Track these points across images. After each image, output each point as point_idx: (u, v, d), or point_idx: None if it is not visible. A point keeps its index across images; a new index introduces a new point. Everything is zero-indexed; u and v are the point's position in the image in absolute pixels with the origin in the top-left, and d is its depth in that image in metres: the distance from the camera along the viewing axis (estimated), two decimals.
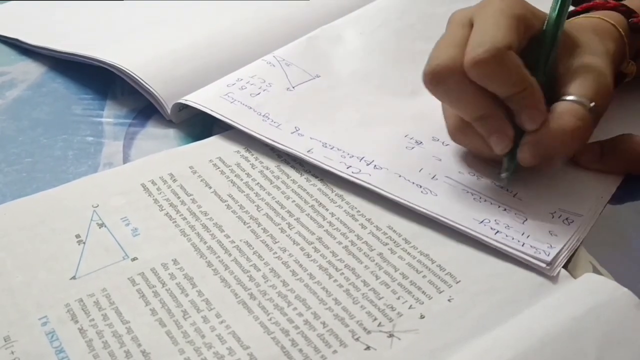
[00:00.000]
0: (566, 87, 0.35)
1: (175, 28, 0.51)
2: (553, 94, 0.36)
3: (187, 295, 0.31)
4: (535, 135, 0.34)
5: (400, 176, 0.37)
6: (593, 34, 0.37)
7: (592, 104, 0.34)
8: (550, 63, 0.36)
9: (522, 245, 0.33)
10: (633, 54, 0.40)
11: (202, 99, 0.42)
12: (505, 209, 0.35)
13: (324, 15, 0.52)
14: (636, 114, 0.43)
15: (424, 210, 0.35)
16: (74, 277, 0.32)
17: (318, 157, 0.38)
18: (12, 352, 0.29)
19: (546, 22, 0.36)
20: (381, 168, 0.38)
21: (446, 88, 0.34)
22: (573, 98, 0.34)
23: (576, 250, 0.34)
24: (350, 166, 0.38)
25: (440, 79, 0.34)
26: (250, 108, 0.42)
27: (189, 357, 0.29)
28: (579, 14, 0.41)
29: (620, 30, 0.39)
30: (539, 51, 0.36)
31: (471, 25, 0.35)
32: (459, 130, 0.37)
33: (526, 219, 0.35)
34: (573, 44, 0.37)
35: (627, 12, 0.40)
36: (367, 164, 0.38)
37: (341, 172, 0.38)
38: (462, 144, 0.38)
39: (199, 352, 0.29)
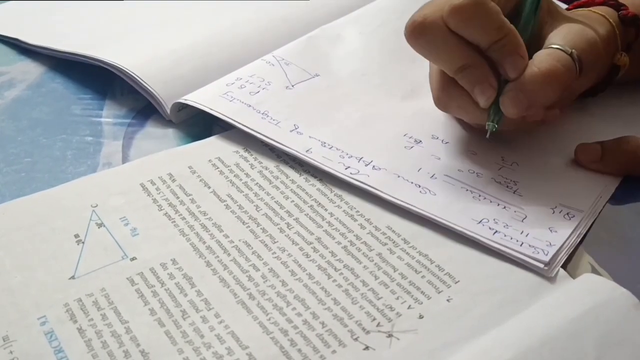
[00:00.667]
0: (549, 39, 0.36)
1: (175, 28, 0.51)
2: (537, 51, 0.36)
3: (186, 295, 0.31)
4: (516, 82, 0.34)
5: (398, 176, 0.37)
6: (583, 18, 0.38)
7: (573, 50, 0.35)
8: (534, 23, 0.37)
9: (521, 245, 0.33)
10: (625, 46, 0.40)
11: (201, 98, 0.42)
12: (504, 207, 0.35)
13: (324, 16, 0.52)
14: (637, 115, 0.43)
15: (422, 212, 0.35)
16: (73, 277, 0.32)
17: (316, 157, 0.38)
18: (11, 352, 0.29)
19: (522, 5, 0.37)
20: (380, 169, 0.38)
21: (427, 39, 0.35)
22: (554, 46, 0.35)
23: (575, 250, 0.34)
24: (349, 167, 0.38)
25: (421, 31, 0.35)
26: (250, 106, 0.42)
27: (188, 357, 0.29)
28: None
29: (611, 21, 0.39)
30: (522, 13, 0.37)
31: None
32: (443, 93, 0.37)
33: (526, 216, 0.35)
34: (561, 16, 0.38)
35: (616, 6, 0.40)
36: (366, 165, 0.38)
37: (340, 172, 0.38)
38: (447, 108, 0.38)
39: (197, 352, 0.29)
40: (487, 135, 0.37)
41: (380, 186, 0.37)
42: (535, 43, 0.37)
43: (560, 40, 0.36)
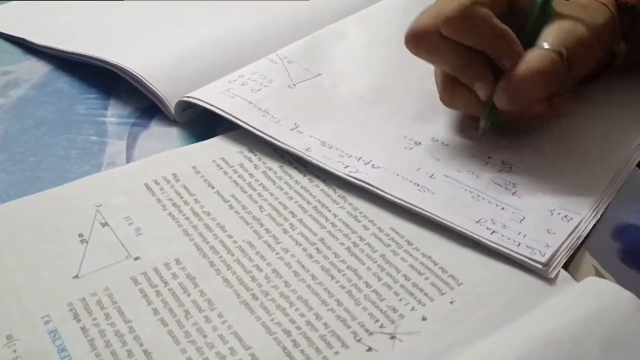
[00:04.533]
0: (541, 37, 0.37)
1: (179, 28, 0.51)
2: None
3: (189, 295, 0.31)
4: (508, 78, 0.36)
5: (398, 175, 0.37)
6: (580, 8, 0.39)
7: (562, 50, 0.36)
8: (535, 36, 0.38)
9: (518, 246, 0.33)
10: (621, 33, 0.41)
11: (203, 95, 0.42)
12: (503, 208, 0.35)
13: (328, 16, 0.52)
14: (631, 103, 0.44)
15: (420, 210, 0.35)
16: (76, 276, 0.32)
17: (316, 156, 0.38)
18: (15, 351, 0.29)
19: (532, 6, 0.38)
20: (379, 167, 0.38)
21: (426, 47, 0.38)
22: (544, 45, 0.37)
23: (577, 252, 0.34)
24: (348, 166, 0.38)
25: (419, 40, 0.37)
26: (251, 103, 0.42)
27: (191, 357, 0.29)
28: None
29: (611, 8, 0.40)
30: (525, 27, 0.38)
31: None
32: (447, 91, 0.39)
33: (524, 218, 0.35)
34: (554, 12, 0.39)
35: None
36: (365, 164, 0.38)
37: (338, 171, 0.38)
38: (452, 105, 0.40)
39: (200, 352, 0.29)
40: (479, 132, 0.39)
41: (379, 184, 0.37)
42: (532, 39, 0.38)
43: (551, 38, 0.37)
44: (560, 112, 0.39)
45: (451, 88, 0.39)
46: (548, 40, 0.37)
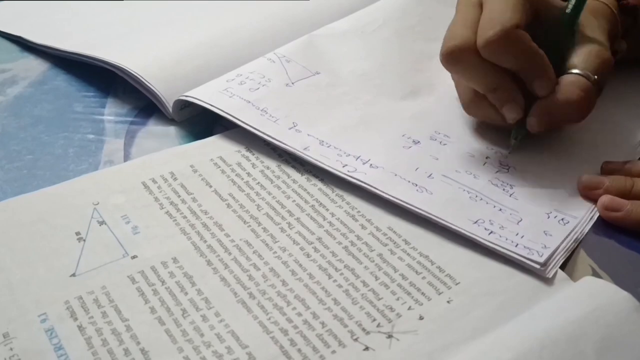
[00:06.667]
0: (571, 60, 0.38)
1: (176, 28, 0.51)
2: (560, 67, 0.38)
3: (186, 293, 0.31)
4: (543, 104, 0.37)
5: (395, 175, 0.37)
6: (590, 14, 0.40)
7: (595, 77, 0.37)
8: (563, 53, 0.38)
9: (516, 246, 0.33)
10: (623, 32, 0.42)
11: (201, 94, 0.42)
12: (500, 209, 0.36)
13: (326, 16, 0.52)
14: (631, 100, 0.44)
15: (417, 210, 0.35)
16: (73, 275, 0.32)
17: (314, 155, 0.38)
18: (11, 349, 0.29)
19: (562, 19, 0.39)
20: (377, 167, 0.38)
21: (462, 66, 0.38)
22: (578, 71, 0.37)
23: (574, 252, 0.34)
24: (346, 165, 0.38)
25: (456, 59, 0.37)
26: (249, 102, 0.42)
27: (188, 356, 0.29)
28: None
29: (613, 9, 0.41)
30: (555, 42, 0.39)
31: (481, 5, 0.38)
32: (472, 103, 0.40)
33: (521, 219, 0.35)
34: (577, 32, 0.39)
35: None
36: (363, 163, 0.38)
37: (337, 170, 0.38)
38: (475, 116, 0.41)
39: (197, 350, 0.29)
40: (509, 151, 0.39)
41: (377, 184, 0.37)
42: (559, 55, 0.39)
43: (582, 63, 0.38)
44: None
45: (477, 101, 0.39)
46: (579, 66, 0.37)
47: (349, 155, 0.39)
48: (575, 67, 0.38)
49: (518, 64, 0.37)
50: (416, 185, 0.37)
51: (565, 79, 0.37)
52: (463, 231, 0.34)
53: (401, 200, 0.36)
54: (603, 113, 0.43)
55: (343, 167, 0.38)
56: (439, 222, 0.35)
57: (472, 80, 0.38)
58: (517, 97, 0.37)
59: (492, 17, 0.36)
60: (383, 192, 0.36)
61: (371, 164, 0.38)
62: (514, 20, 0.36)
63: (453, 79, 0.41)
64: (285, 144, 0.39)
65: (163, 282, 0.32)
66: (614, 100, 0.44)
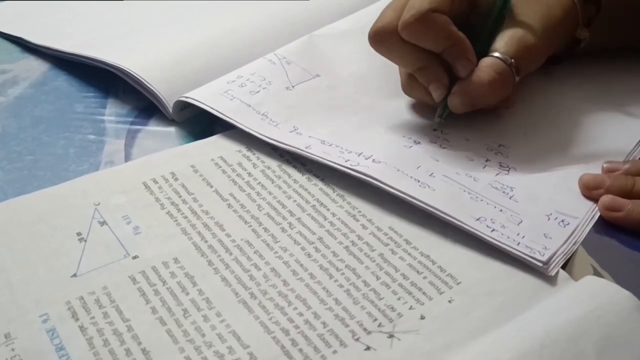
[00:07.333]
0: (494, 45, 0.40)
1: (177, 28, 0.51)
2: (487, 51, 0.40)
3: (187, 294, 0.31)
4: (461, 85, 0.39)
5: (398, 170, 0.37)
6: (533, 3, 0.41)
7: (512, 60, 0.39)
8: (493, 36, 0.40)
9: (518, 245, 0.33)
10: (586, 21, 0.43)
11: (202, 96, 0.42)
12: (501, 210, 0.35)
13: (327, 16, 0.52)
14: (631, 99, 0.44)
15: (421, 204, 0.35)
16: (74, 275, 0.32)
17: (316, 152, 0.38)
18: (13, 349, 0.29)
19: (494, 5, 0.40)
20: (380, 162, 0.38)
21: (386, 47, 0.40)
22: (497, 55, 0.39)
23: (575, 252, 0.34)
24: (349, 160, 0.38)
25: (380, 39, 0.40)
26: (250, 106, 0.42)
27: (189, 356, 0.29)
28: None
29: None
30: (487, 27, 0.40)
31: None
32: (407, 84, 0.42)
33: (522, 221, 0.35)
34: (509, 17, 0.41)
35: None
36: (366, 158, 0.38)
37: (339, 165, 0.37)
38: (410, 96, 0.43)
39: (199, 350, 0.29)
40: (435, 125, 0.41)
41: (380, 177, 0.36)
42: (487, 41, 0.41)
43: (502, 47, 0.39)
44: (509, 103, 0.42)
45: (410, 82, 0.42)
46: (500, 50, 0.39)
47: (351, 152, 0.39)
48: (496, 51, 0.39)
49: (436, 46, 0.39)
50: (419, 181, 0.37)
51: (483, 61, 0.39)
52: (467, 227, 0.34)
53: (405, 194, 0.35)
54: (602, 113, 0.43)
55: (346, 161, 0.38)
56: (443, 217, 0.35)
57: (397, 60, 0.41)
58: (441, 76, 0.39)
59: (414, 2, 0.38)
60: (387, 185, 0.36)
61: (374, 159, 0.38)
62: (431, 4, 0.37)
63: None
64: (286, 144, 0.39)
65: (164, 283, 0.32)
66: (615, 99, 0.44)
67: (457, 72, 0.39)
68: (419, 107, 0.43)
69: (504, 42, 0.39)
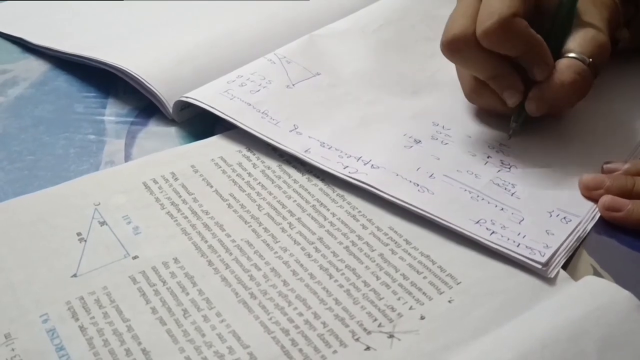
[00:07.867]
0: (568, 45, 0.39)
1: (177, 28, 0.51)
2: (558, 52, 0.39)
3: (187, 294, 0.31)
4: (540, 88, 0.38)
5: (397, 175, 0.37)
6: (590, 3, 0.41)
7: (590, 60, 0.38)
8: (561, 39, 0.39)
9: (518, 246, 0.33)
10: (625, 22, 0.43)
11: (202, 96, 0.42)
12: (502, 208, 0.35)
13: (327, 16, 0.52)
14: (632, 98, 0.44)
15: (419, 210, 0.35)
16: (75, 275, 0.32)
17: (315, 157, 0.38)
18: (13, 349, 0.29)
19: (561, 6, 0.39)
20: (378, 167, 0.38)
21: (461, 55, 0.39)
22: (573, 55, 0.38)
23: (576, 251, 0.34)
24: (348, 166, 0.38)
25: (455, 48, 0.38)
26: (250, 105, 0.42)
27: (189, 356, 0.29)
28: None
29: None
30: (555, 29, 0.39)
31: None
32: (473, 92, 0.41)
33: (523, 219, 0.35)
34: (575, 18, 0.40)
35: None
36: (365, 164, 0.38)
37: (338, 172, 0.38)
38: (476, 104, 0.42)
39: (199, 350, 0.29)
40: (510, 134, 0.40)
41: (378, 184, 0.37)
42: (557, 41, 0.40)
43: (578, 47, 0.38)
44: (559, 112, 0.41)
45: (479, 89, 0.40)
46: (575, 50, 0.38)
47: (350, 156, 0.39)
48: (571, 52, 0.38)
49: (517, 51, 0.38)
50: (418, 185, 0.37)
51: (561, 62, 0.38)
52: (465, 232, 0.34)
53: (403, 201, 0.36)
54: (604, 111, 0.43)
55: (344, 168, 0.38)
56: (440, 223, 0.35)
57: (472, 68, 0.40)
58: (516, 83, 0.38)
59: (491, 7, 0.37)
60: (384, 192, 0.36)
61: (372, 165, 0.38)
62: (511, 10, 0.36)
63: (456, 69, 0.42)
64: (286, 147, 0.39)
65: (164, 283, 0.32)
66: (615, 98, 0.44)
67: (534, 76, 0.38)
68: (420, 107, 0.43)
69: (577, 43, 0.38)
